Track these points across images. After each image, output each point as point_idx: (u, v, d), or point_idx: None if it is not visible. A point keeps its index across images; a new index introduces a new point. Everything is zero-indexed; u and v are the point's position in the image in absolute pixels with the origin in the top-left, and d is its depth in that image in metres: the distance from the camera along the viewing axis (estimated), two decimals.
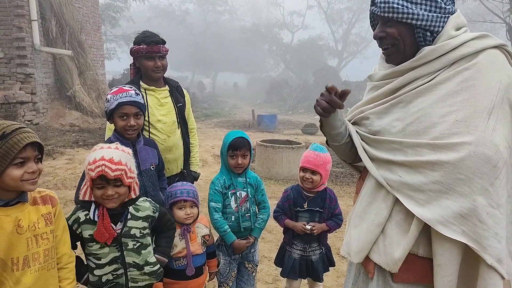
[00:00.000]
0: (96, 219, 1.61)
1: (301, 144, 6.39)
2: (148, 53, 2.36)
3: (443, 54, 1.22)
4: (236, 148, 2.17)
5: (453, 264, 1.14)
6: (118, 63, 25.99)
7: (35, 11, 8.78)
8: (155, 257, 1.77)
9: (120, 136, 2.03)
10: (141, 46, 2.36)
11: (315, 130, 11.61)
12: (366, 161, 1.33)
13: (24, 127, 1.33)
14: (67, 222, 1.60)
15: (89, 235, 1.63)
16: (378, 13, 1.28)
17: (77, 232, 1.64)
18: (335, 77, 25.69)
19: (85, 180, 1.63)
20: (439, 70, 1.23)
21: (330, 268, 2.42)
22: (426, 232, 1.19)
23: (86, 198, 1.62)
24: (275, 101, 24.24)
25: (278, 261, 2.41)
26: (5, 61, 8.69)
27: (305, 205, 2.26)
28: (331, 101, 1.29)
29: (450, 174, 1.12)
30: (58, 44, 9.96)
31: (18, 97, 8.35)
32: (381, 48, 1.38)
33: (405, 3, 1.22)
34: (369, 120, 1.37)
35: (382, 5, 1.25)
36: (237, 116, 17.69)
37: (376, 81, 1.41)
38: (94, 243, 1.64)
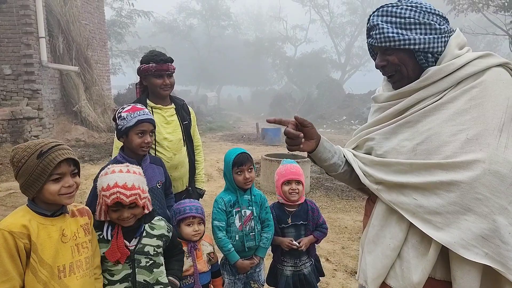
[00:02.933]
0: (109, 238, 1.64)
1: (306, 158, 6.37)
2: (158, 71, 2.41)
3: (449, 74, 1.22)
4: (241, 163, 2.19)
5: (474, 286, 1.12)
6: (124, 77, 26.31)
7: (43, 28, 8.95)
8: (169, 279, 1.76)
9: (126, 155, 2.06)
10: (150, 65, 2.41)
11: None
12: (371, 187, 1.31)
13: (60, 144, 1.44)
14: None
15: (102, 254, 1.66)
16: (375, 44, 1.30)
17: None
18: (339, 90, 25.80)
19: (98, 202, 1.65)
20: (446, 90, 1.23)
21: (320, 278, 2.43)
22: (443, 254, 1.17)
23: (102, 219, 1.66)
24: (278, 114, 24.29)
25: (271, 280, 2.38)
26: (13, 77, 8.83)
27: (289, 220, 2.26)
28: (286, 132, 1.30)
29: (467, 194, 1.10)
30: (65, 60, 10.12)
31: (25, 113, 8.45)
32: (385, 76, 1.38)
33: (399, 31, 1.24)
34: (375, 141, 1.35)
35: (378, 36, 1.27)
36: (241, 130, 17.74)
37: (382, 102, 1.40)
38: (108, 260, 1.65)
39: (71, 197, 1.44)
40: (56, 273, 1.40)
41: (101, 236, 1.66)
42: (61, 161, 1.38)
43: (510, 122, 1.15)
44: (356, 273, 3.46)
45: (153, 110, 2.46)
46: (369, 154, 1.38)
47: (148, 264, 1.68)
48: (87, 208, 1.61)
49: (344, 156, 1.42)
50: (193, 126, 2.68)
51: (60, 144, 1.43)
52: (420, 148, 1.22)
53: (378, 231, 1.30)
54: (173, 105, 2.57)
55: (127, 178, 1.60)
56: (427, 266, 1.17)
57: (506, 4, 12.35)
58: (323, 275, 2.44)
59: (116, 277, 1.65)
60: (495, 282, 1.14)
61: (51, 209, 1.44)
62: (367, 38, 1.36)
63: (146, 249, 1.68)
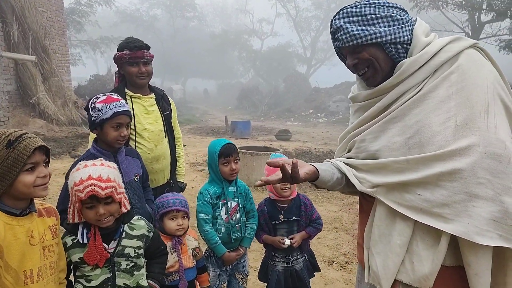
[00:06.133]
0: (85, 241, 1.52)
1: (279, 150, 6.39)
2: (132, 59, 2.29)
3: (424, 64, 1.24)
4: (228, 154, 2.15)
5: (489, 269, 1.14)
6: (84, 68, 25.19)
7: None
8: (148, 282, 1.67)
9: (101, 148, 1.94)
10: (124, 52, 2.29)
11: (289, 136, 11.71)
12: (369, 192, 1.29)
13: (28, 132, 1.33)
14: None
15: (79, 258, 1.53)
16: (343, 45, 1.31)
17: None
18: (305, 84, 26.17)
19: (70, 202, 1.52)
20: (425, 80, 1.24)
21: (315, 273, 2.40)
22: (452, 241, 1.17)
23: (76, 221, 1.53)
24: (246, 107, 24.30)
25: (262, 276, 2.36)
26: None
27: (281, 217, 2.22)
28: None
29: (470, 180, 1.11)
30: (20, 49, 9.47)
31: None
32: (357, 75, 1.37)
33: (363, 27, 1.25)
34: (366, 142, 1.34)
35: (344, 36, 1.28)
36: (209, 123, 17.55)
37: (361, 101, 1.39)
38: (86, 264, 1.53)
39: (46, 188, 1.33)
40: (22, 279, 1.28)
41: (75, 241, 1.53)
42: (35, 149, 1.28)
43: (493, 102, 1.16)
44: (333, 262, 3.54)
45: (133, 99, 2.34)
46: (362, 156, 1.36)
47: (128, 267, 1.59)
48: (54, 207, 1.49)
49: (336, 167, 1.40)
50: (173, 117, 2.58)
51: (27, 132, 1.32)
52: (412, 141, 1.21)
53: (383, 230, 1.28)
54: (153, 95, 2.46)
55: (101, 171, 1.49)
56: (438, 256, 1.17)
57: (463, 2, 13.00)
58: (318, 270, 2.40)
59: (93, 283, 1.54)
60: (502, 258, 1.16)
61: (19, 206, 1.31)
62: (334, 42, 1.36)
63: (126, 251, 1.58)
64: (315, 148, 9.64)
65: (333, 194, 5.65)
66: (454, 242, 1.17)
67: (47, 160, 1.36)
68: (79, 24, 20.53)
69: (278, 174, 1.25)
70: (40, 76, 9.94)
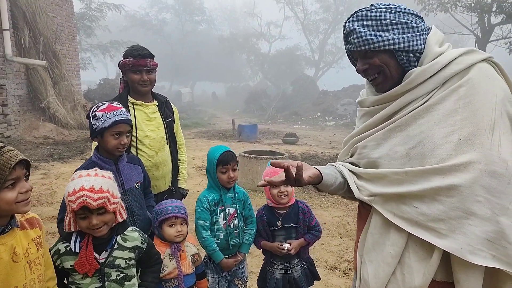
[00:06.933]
0: (77, 250, 1.53)
1: (285, 155, 6.39)
2: (135, 67, 2.32)
3: (434, 74, 1.21)
4: (226, 162, 2.15)
5: (478, 286, 1.12)
6: (94, 73, 25.50)
7: (7, 20, 8.49)
8: None
9: (102, 156, 1.97)
10: (128, 60, 2.32)
11: (296, 139, 11.67)
12: (366, 201, 1.29)
13: (5, 146, 1.26)
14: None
15: (70, 266, 1.55)
16: (355, 49, 1.28)
17: (57, 263, 1.55)
18: (313, 87, 26.10)
19: (67, 211, 1.54)
20: (433, 90, 1.21)
21: (315, 281, 2.37)
22: (444, 256, 1.16)
23: (72, 229, 1.54)
24: (254, 110, 24.33)
25: (261, 283, 2.35)
26: None
27: (279, 223, 2.22)
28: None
29: (468, 197, 1.09)
30: (31, 54, 9.65)
31: None
32: (367, 80, 1.36)
33: (377, 33, 1.22)
34: (368, 149, 1.33)
35: (356, 40, 1.25)
36: (216, 126, 17.60)
37: (368, 107, 1.37)
38: (77, 273, 1.55)
39: (28, 203, 1.27)
40: None
41: (68, 248, 1.55)
42: (15, 164, 1.21)
43: (500, 119, 1.13)
44: (336, 269, 3.52)
45: (135, 106, 2.37)
46: (363, 163, 1.35)
47: (119, 278, 1.59)
48: (37, 217, 1.43)
49: (339, 172, 1.39)
50: (176, 124, 2.60)
51: (4, 146, 1.25)
52: (413, 152, 1.20)
53: (377, 238, 1.27)
54: (155, 102, 2.48)
55: (94, 181, 1.49)
56: (429, 270, 1.16)
57: (472, 5, 12.86)
58: (318, 278, 2.37)
59: None
60: (495, 280, 1.14)
61: (0, 224, 1.25)
62: (346, 44, 1.33)
63: (117, 262, 1.59)
64: (322, 152, 9.60)
65: (338, 199, 5.62)
66: (447, 258, 1.15)
67: (28, 173, 1.30)
68: (89, 29, 20.81)
69: (281, 176, 1.23)
70: (50, 81, 10.11)
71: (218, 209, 2.18)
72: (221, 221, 2.18)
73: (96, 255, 1.55)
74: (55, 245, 1.59)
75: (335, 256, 3.79)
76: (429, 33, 1.26)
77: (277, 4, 33.10)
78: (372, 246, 1.29)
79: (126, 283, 1.61)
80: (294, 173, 1.21)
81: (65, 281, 1.63)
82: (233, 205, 2.22)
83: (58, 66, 10.43)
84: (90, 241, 1.54)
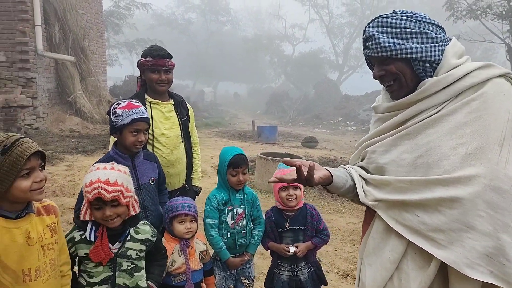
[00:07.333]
0: (92, 239, 1.61)
1: (302, 158, 6.38)
2: (154, 66, 2.38)
3: (448, 85, 1.20)
4: (237, 165, 2.18)
5: None
6: (120, 69, 26.13)
7: (39, 16, 8.82)
8: (147, 283, 1.74)
9: (119, 151, 2.04)
10: (147, 59, 2.39)
11: (315, 143, 11.61)
12: (371, 206, 1.30)
13: (23, 137, 1.34)
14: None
15: (84, 254, 1.62)
16: (372, 55, 1.28)
17: (71, 251, 1.63)
18: (336, 91, 25.86)
19: (84, 202, 1.62)
20: (445, 102, 1.21)
21: (322, 286, 2.36)
22: (441, 267, 1.16)
23: (87, 218, 1.62)
24: (275, 112, 24.32)
25: (268, 284, 2.37)
26: (7, 64, 8.69)
27: (287, 225, 2.23)
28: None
29: (469, 211, 1.08)
30: (60, 50, 9.99)
31: (18, 101, 8.33)
32: (383, 86, 1.37)
33: (396, 40, 1.22)
34: (376, 154, 1.34)
35: (374, 46, 1.26)
36: (237, 126, 17.70)
37: (381, 113, 1.39)
38: (89, 261, 1.62)
39: (42, 192, 1.35)
40: (21, 277, 1.33)
41: (82, 237, 1.62)
42: (30, 155, 1.29)
43: (511, 136, 1.12)
44: (347, 275, 3.50)
45: (152, 105, 2.44)
46: (371, 168, 1.36)
47: (129, 268, 1.66)
48: (54, 204, 1.52)
49: (350, 175, 1.40)
50: (191, 123, 2.66)
51: (22, 137, 1.33)
52: (420, 161, 1.20)
53: (379, 242, 1.29)
54: (171, 101, 2.55)
55: (110, 174, 1.58)
56: (426, 279, 1.16)
57: (503, 12, 12.44)
58: (324, 283, 2.36)
59: (95, 279, 1.63)
60: None
61: (15, 209, 1.33)
62: (364, 49, 1.34)
63: (129, 253, 1.66)
64: (341, 157, 9.50)
65: (354, 206, 5.56)
66: (444, 268, 1.15)
67: (43, 164, 1.37)
68: (117, 26, 21.36)
69: (292, 174, 1.26)
70: (78, 76, 10.45)
71: (226, 208, 2.22)
72: (229, 221, 2.22)
73: (110, 245, 1.62)
74: (70, 232, 1.67)
75: (347, 263, 3.76)
76: (448, 44, 1.25)
77: (302, 7, 33.00)
78: (373, 250, 1.30)
79: (135, 274, 1.67)
80: (305, 173, 1.23)
81: (76, 269, 1.70)
82: (242, 206, 2.25)
83: (85, 62, 10.76)
84: (105, 231, 1.62)
